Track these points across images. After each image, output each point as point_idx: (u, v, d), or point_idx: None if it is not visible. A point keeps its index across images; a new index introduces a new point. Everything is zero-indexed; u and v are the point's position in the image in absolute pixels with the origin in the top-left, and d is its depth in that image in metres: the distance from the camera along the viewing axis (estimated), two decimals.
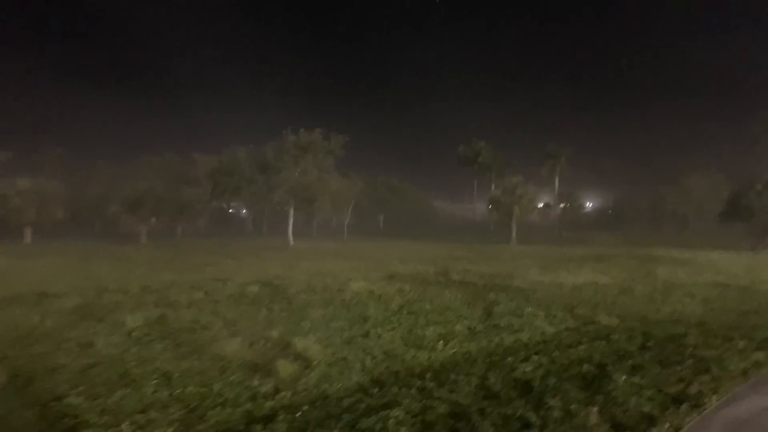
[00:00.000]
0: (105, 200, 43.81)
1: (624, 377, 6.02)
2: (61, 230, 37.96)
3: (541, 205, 45.51)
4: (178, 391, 5.84)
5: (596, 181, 69.40)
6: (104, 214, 46.38)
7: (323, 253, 27.69)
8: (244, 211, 62.68)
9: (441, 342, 8.12)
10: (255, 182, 31.05)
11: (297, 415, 5.07)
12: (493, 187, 48.92)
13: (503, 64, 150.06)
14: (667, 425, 4.80)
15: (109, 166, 50.64)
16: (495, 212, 38.91)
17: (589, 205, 63.04)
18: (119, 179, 44.44)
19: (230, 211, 61.50)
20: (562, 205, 49.72)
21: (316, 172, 31.35)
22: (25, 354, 7.44)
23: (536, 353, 7.32)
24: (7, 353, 7.49)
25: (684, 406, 5.17)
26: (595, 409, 5.03)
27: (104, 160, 51.44)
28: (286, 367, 6.64)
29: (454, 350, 7.72)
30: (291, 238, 31.88)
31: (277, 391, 5.89)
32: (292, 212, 32.25)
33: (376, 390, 5.92)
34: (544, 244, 35.15)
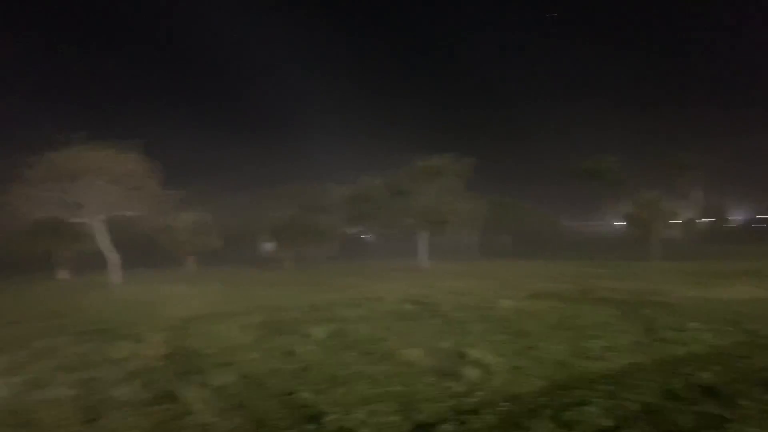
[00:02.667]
0: (249, 229, 48.06)
1: None
2: (214, 258, 42.19)
3: (681, 219, 42.95)
4: (385, 389, 6.81)
5: (742, 191, 63.83)
6: (249, 241, 50.76)
7: (457, 274, 28.35)
8: (369, 235, 65.23)
9: (610, 353, 8.48)
10: (389, 207, 32.72)
11: (499, 409, 5.81)
12: (625, 202, 46.91)
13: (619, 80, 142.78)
14: None
15: (248, 197, 55.33)
16: (632, 228, 37.44)
17: (734, 217, 58.30)
18: (259, 209, 48.51)
19: (357, 236, 64.11)
20: (704, 219, 46.56)
21: (447, 196, 32.36)
22: (245, 359, 8.89)
23: (712, 363, 7.48)
24: (230, 358, 9.00)
25: None
26: None
27: (243, 191, 56.19)
28: (471, 373, 7.42)
29: (625, 361, 8.05)
30: (425, 260, 33.00)
31: (470, 391, 6.66)
32: (423, 235, 33.39)
33: (561, 392, 6.50)
34: (688, 259, 33.22)
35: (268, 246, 51.61)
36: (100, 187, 23.59)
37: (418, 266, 32.27)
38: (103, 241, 25.47)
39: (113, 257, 25.69)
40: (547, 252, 47.71)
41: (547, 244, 56.28)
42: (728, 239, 46.81)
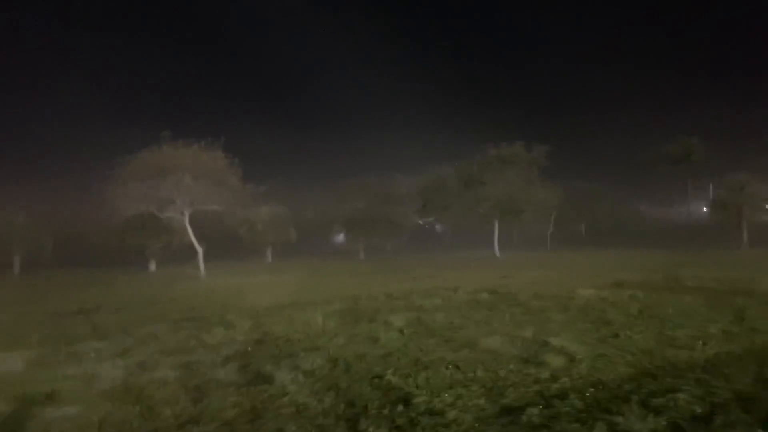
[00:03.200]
0: (322, 221, 49.29)
1: None
2: (290, 249, 43.65)
3: None
4: (469, 375, 6.98)
5: None
6: (322, 233, 52.01)
7: (532, 264, 28.01)
8: (438, 226, 65.21)
9: (698, 342, 8.26)
10: (461, 197, 32.70)
11: (586, 394, 5.87)
12: (711, 186, 44.53)
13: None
14: None
15: (321, 190, 56.71)
16: (718, 214, 35.51)
17: None
18: (332, 202, 49.69)
19: (426, 226, 64.25)
20: None
21: (521, 184, 31.96)
22: (332, 344, 9.31)
23: None
24: (317, 343, 9.46)
25: None
26: None
27: (317, 185, 57.62)
28: (554, 360, 7.47)
29: (715, 350, 7.81)
30: (497, 249, 32.78)
31: (554, 378, 6.71)
32: (497, 225, 33.19)
33: (648, 380, 6.45)
34: None
35: (340, 237, 52.80)
36: (187, 183, 25.05)
37: (492, 256, 32.12)
38: (190, 235, 27.00)
39: (199, 250, 27.20)
40: (624, 241, 46.07)
41: (623, 231, 54.28)
42: None
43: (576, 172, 51.49)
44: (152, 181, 24.98)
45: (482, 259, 32.55)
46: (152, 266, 33.63)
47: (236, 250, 40.30)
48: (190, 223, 27.12)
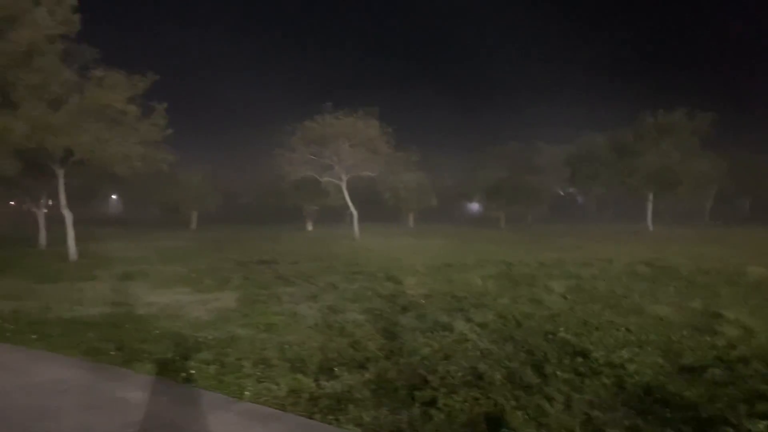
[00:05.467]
0: (462, 189, 49.78)
1: None
2: (430, 215, 44.90)
3: None
4: (642, 337, 7.33)
5: None
6: (462, 201, 52.58)
7: (690, 238, 26.49)
8: (579, 197, 62.79)
9: None
10: (613, 167, 31.46)
11: None
12: None
13: None
14: None
15: (463, 158, 56.97)
16: None
17: None
18: (472, 170, 49.83)
19: (567, 197, 62.22)
20: None
21: (679, 155, 29.97)
22: (497, 303, 10.03)
23: None
24: (482, 301, 10.23)
25: None
26: None
27: (459, 153, 57.92)
28: (730, 330, 7.55)
29: None
30: (650, 223, 31.26)
31: (732, 345, 6.86)
32: (651, 197, 31.55)
33: None
34: None
35: (476, 206, 53.05)
36: (346, 150, 26.96)
37: (643, 229, 30.71)
38: (347, 198, 29.10)
39: (354, 213, 29.24)
40: None
41: None
42: None
43: (743, 143, 46.46)
44: (315, 148, 27.28)
45: (632, 232, 31.22)
46: (309, 226, 36.67)
47: (377, 214, 42.37)
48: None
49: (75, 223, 18.77)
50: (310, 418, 4.54)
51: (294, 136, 27.14)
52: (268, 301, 10.70)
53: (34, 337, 7.38)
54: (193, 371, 5.68)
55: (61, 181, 18.51)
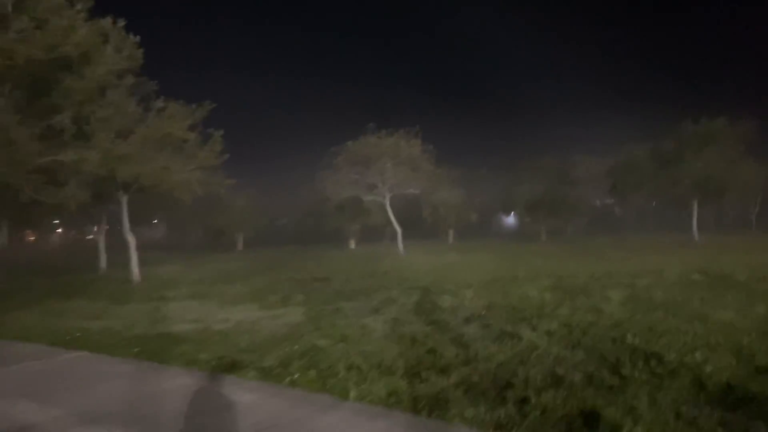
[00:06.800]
0: (497, 203, 49.85)
1: None
2: (468, 231, 45.10)
3: None
4: (711, 341, 7.48)
5: None
6: (497, 215, 52.59)
7: (739, 246, 26.11)
8: (617, 208, 62.10)
9: None
10: (656, 177, 31.30)
11: None
12: None
13: None
14: None
15: (499, 172, 56.98)
16: None
17: None
18: (509, 184, 49.87)
19: (605, 209, 61.61)
20: None
21: (723, 163, 29.65)
22: (558, 313, 10.30)
23: None
24: (543, 311, 10.52)
25: None
26: None
27: (495, 167, 57.98)
28: None
29: None
30: (695, 232, 30.87)
31: None
32: (695, 206, 31.20)
33: None
34: None
35: (511, 219, 52.97)
36: (389, 169, 27.60)
37: (687, 239, 30.35)
38: (391, 217, 29.68)
39: (398, 230, 29.76)
40: None
41: None
42: None
43: None
44: (359, 168, 28.04)
45: (677, 241, 30.85)
46: (352, 244, 37.34)
47: (416, 231, 42.78)
48: (383, 206, 29.82)
49: (126, 248, 19.74)
50: (416, 415, 4.97)
51: (339, 158, 27.99)
52: (333, 316, 11.18)
53: (136, 350, 8.03)
54: (297, 375, 6.18)
55: (125, 208, 19.53)
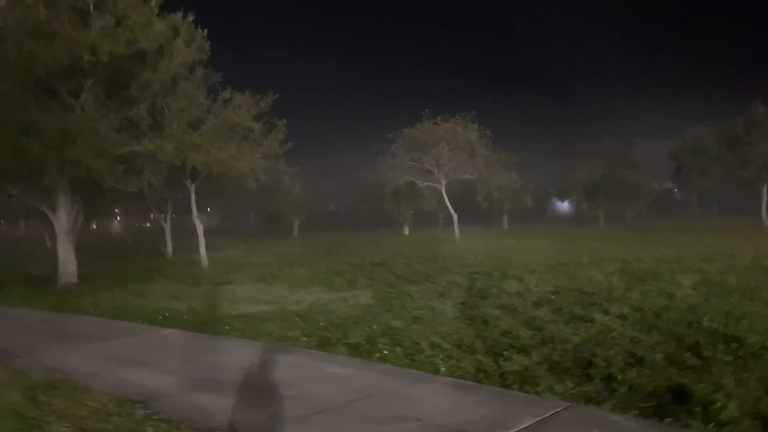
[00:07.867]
0: (553, 187, 49.03)
1: None
2: (521, 216, 44.62)
3: None
4: None
5: None
6: (552, 199, 51.78)
7: None
8: (676, 191, 60.15)
9: None
10: (723, 160, 30.22)
11: None
12: None
13: None
14: None
15: (551, 156, 55.87)
16: None
17: None
18: (565, 168, 48.96)
19: (664, 193, 59.79)
20: None
21: None
22: (628, 297, 10.29)
23: None
24: (613, 295, 10.52)
25: None
26: None
27: (552, 151, 56.83)
28: None
29: None
30: (765, 216, 29.69)
31: None
32: (765, 189, 29.97)
33: None
34: None
35: (566, 204, 52.05)
36: (445, 154, 27.74)
37: (756, 223, 29.19)
38: (446, 202, 29.85)
39: (455, 215, 29.92)
40: None
41: None
42: None
43: None
44: (416, 154, 28.30)
45: (744, 226, 29.71)
46: (406, 230, 37.68)
47: (469, 216, 42.64)
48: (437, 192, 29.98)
49: (186, 234, 20.66)
50: (507, 389, 5.23)
51: (396, 144, 28.34)
52: (401, 298, 11.49)
53: (227, 328, 8.59)
54: (386, 352, 6.55)
55: (193, 195, 20.45)
